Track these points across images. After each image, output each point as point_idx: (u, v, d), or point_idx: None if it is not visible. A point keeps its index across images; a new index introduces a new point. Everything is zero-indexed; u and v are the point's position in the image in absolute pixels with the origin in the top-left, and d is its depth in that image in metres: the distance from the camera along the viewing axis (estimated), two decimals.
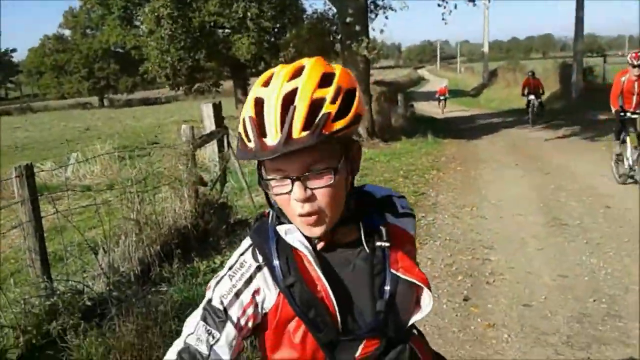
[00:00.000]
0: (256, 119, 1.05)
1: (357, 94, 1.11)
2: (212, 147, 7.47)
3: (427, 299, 1.24)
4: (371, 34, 15.10)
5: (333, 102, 1.04)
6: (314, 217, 1.08)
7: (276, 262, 1.15)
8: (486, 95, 32.74)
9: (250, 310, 1.15)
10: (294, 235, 1.16)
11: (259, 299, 1.15)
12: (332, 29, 19.13)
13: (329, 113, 1.02)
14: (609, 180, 8.39)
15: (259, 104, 1.07)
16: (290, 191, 1.06)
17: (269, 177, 1.09)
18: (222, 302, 1.14)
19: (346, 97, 1.07)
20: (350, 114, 1.06)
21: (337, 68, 1.13)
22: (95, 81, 57.04)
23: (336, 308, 1.14)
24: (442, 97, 25.79)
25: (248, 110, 1.07)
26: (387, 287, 1.18)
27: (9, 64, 77.00)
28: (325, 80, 1.07)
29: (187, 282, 4.51)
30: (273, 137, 1.02)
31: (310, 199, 1.07)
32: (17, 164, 3.91)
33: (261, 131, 1.04)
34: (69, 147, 14.33)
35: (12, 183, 4.01)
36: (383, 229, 1.20)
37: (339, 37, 17.10)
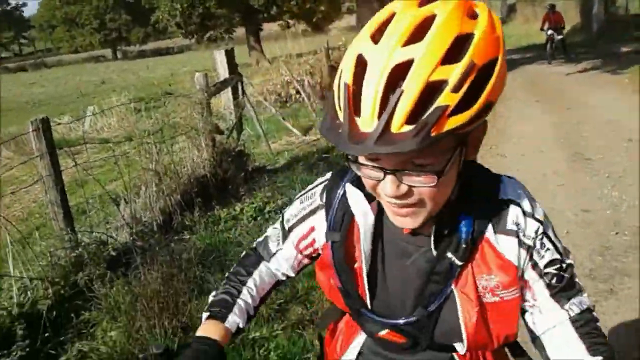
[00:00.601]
0: (353, 87, 0.81)
1: (497, 68, 0.82)
2: (226, 95, 7.42)
3: (460, 347, 1.06)
4: None
5: (456, 89, 0.77)
6: (405, 210, 0.91)
7: (332, 212, 1.12)
8: (504, 31, 31.14)
9: (309, 239, 1.20)
10: (358, 201, 1.06)
11: (314, 234, 1.18)
12: None
13: (446, 107, 0.76)
14: (632, 112, 8.21)
15: (361, 65, 0.81)
16: (382, 180, 0.87)
17: (360, 161, 0.90)
18: (289, 221, 1.23)
19: (478, 78, 0.79)
20: (478, 104, 0.79)
21: (481, 22, 0.83)
22: (107, 33, 56.72)
23: (366, 288, 1.08)
24: None
25: (346, 69, 0.83)
26: (437, 302, 1.02)
27: (20, 19, 76.66)
28: (456, 49, 0.78)
29: (209, 230, 4.57)
30: (367, 122, 0.78)
31: (404, 195, 0.88)
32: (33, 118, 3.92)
33: (355, 106, 0.80)
34: (85, 101, 14.38)
35: (29, 138, 4.02)
36: (462, 244, 0.98)
37: None
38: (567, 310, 1.02)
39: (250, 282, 1.25)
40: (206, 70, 7.44)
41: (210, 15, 26.31)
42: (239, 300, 1.21)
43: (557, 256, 1.02)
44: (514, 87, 12.61)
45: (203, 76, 6.06)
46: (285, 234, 1.23)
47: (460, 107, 0.77)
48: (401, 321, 1.06)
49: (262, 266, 1.27)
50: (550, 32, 15.90)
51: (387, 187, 0.86)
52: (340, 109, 0.83)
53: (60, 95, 22.81)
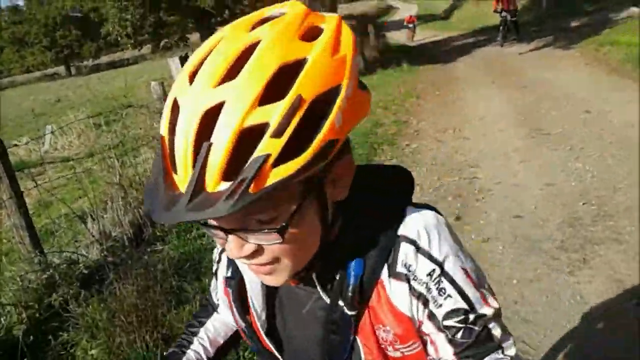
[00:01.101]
0: (169, 138, 0.68)
1: (340, 99, 0.67)
2: None
3: None
4: None
5: (279, 134, 0.63)
6: (264, 269, 0.78)
7: (228, 260, 1.03)
8: (457, 16, 32.38)
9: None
10: None
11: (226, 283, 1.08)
12: None
13: (267, 156, 0.62)
14: (586, 84, 8.41)
15: (176, 112, 0.68)
16: (227, 239, 0.74)
17: (201, 222, 0.75)
18: (214, 265, 1.11)
19: (310, 116, 0.65)
20: (313, 147, 0.64)
21: (320, 42, 0.69)
22: (59, 50, 55.53)
23: (268, 342, 0.98)
24: (410, 26, 25.34)
25: (163, 117, 0.70)
26: (343, 354, 0.88)
27: None
28: (279, 83, 0.64)
29: (182, 238, 4.52)
30: (182, 181, 0.66)
31: (255, 254, 0.75)
32: None
33: (172, 162, 0.67)
34: (42, 121, 14.07)
35: None
36: (349, 291, 0.83)
37: None
38: None
39: (201, 333, 1.17)
40: (162, 79, 7.36)
41: (162, 23, 26.03)
42: (188, 352, 1.14)
43: (462, 305, 0.82)
44: (470, 71, 12.82)
45: (159, 85, 5.97)
46: (216, 279, 1.12)
47: (287, 154, 0.63)
48: None
49: (216, 315, 1.18)
50: (504, 14, 16.12)
51: (230, 249, 0.74)
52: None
53: (16, 117, 22.20)
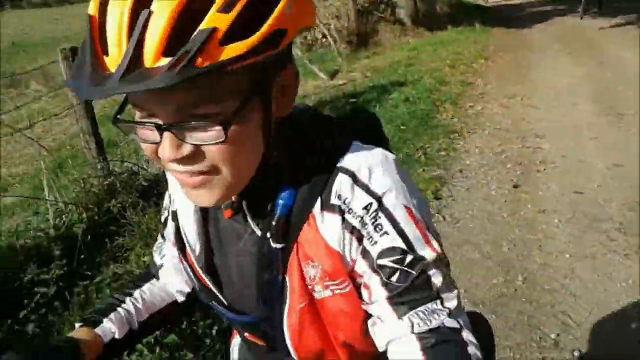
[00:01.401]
0: (100, 19, 0.62)
1: None
2: None
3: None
4: None
5: (226, 9, 0.59)
6: (198, 179, 0.70)
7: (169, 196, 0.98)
8: None
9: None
10: (174, 179, 0.89)
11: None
12: None
13: (214, 30, 0.58)
14: None
15: None
16: (160, 142, 0.66)
17: (135, 120, 0.69)
18: (163, 212, 1.03)
19: None
20: (262, 30, 0.61)
21: None
22: None
23: (207, 281, 0.91)
24: None
25: (92, 2, 0.65)
26: (274, 294, 0.83)
27: None
28: None
29: None
30: (115, 59, 0.60)
31: (191, 159, 0.67)
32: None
33: (103, 43, 0.62)
34: None
35: (59, 70, 4.01)
36: (273, 221, 0.78)
37: None
38: (408, 324, 0.73)
39: (136, 293, 1.05)
40: None
41: None
42: (118, 309, 1.01)
43: (399, 244, 0.74)
44: (546, 39, 12.32)
45: None
46: (162, 231, 1.04)
47: (236, 32, 0.59)
48: (249, 318, 0.89)
49: (154, 280, 1.08)
50: None
51: (165, 149, 0.65)
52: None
53: (85, 32, 22.73)
